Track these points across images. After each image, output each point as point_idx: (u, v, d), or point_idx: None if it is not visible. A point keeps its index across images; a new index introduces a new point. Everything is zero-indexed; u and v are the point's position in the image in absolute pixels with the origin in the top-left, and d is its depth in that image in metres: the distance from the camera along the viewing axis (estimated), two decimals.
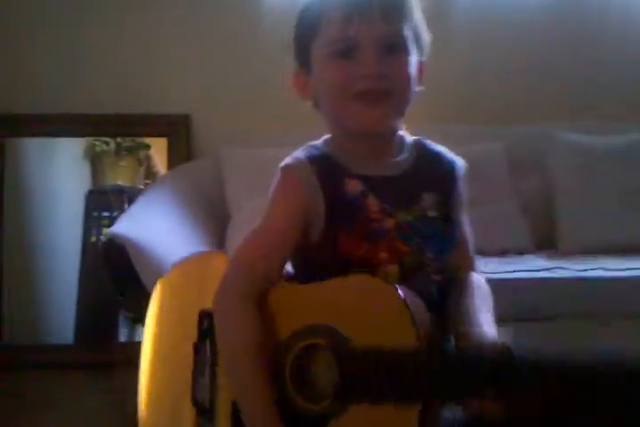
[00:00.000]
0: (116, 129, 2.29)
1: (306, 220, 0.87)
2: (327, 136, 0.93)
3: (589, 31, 2.27)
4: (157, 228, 1.62)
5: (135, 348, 1.06)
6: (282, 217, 0.88)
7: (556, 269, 1.65)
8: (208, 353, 0.89)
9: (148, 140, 2.34)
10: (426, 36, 0.90)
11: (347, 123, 0.88)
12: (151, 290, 1.15)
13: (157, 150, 2.34)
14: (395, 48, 0.85)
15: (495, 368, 0.72)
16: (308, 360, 0.83)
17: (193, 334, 0.91)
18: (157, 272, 1.32)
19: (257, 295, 0.86)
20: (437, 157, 0.94)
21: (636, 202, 1.94)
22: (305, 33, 0.89)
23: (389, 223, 0.87)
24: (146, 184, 2.33)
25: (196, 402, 0.89)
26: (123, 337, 2.25)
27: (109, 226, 2.09)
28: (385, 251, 0.86)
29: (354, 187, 0.87)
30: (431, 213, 0.89)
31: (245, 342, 0.84)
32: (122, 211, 2.20)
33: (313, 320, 0.83)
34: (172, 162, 2.26)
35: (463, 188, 0.95)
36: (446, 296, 0.90)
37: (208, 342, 0.89)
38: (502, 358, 0.73)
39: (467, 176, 0.95)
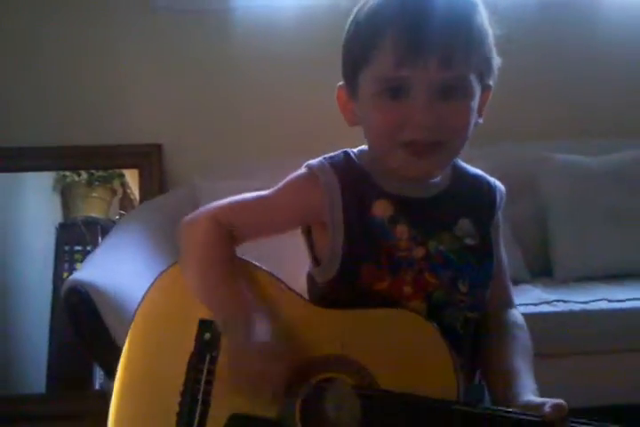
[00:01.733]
0: (85, 162, 2.22)
1: (305, 225, 0.85)
2: (364, 147, 0.85)
3: (578, 51, 2.25)
4: (125, 271, 1.50)
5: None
6: (281, 203, 0.84)
7: (555, 302, 1.56)
8: (205, 371, 0.79)
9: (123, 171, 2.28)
10: (495, 63, 0.81)
11: (390, 166, 0.80)
12: (118, 339, 1.04)
13: (130, 182, 2.27)
14: (453, 93, 0.75)
15: None
16: (326, 393, 0.74)
17: (186, 347, 0.81)
18: (125, 318, 1.19)
19: (225, 233, 0.82)
20: (476, 180, 0.87)
21: (630, 223, 1.87)
22: (355, 57, 0.79)
23: (419, 253, 0.79)
24: (121, 215, 2.28)
25: (180, 423, 0.78)
26: (98, 384, 2.12)
27: (82, 260, 2.05)
28: (410, 284, 0.78)
29: (383, 210, 0.80)
30: (468, 242, 0.82)
31: (216, 256, 0.81)
32: (95, 244, 2.13)
33: (340, 350, 0.76)
34: (145, 193, 2.18)
35: (501, 215, 0.88)
36: (481, 338, 0.83)
37: (208, 356, 0.80)
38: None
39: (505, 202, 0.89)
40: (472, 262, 0.81)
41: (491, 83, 0.81)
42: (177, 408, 0.79)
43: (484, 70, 0.78)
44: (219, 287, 0.80)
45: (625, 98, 2.20)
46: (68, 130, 2.17)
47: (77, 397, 2.06)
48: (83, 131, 2.17)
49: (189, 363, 0.80)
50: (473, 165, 1.99)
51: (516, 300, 1.58)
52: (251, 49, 2.16)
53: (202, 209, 0.85)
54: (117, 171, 2.30)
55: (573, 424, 0.65)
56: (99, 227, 2.24)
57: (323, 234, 0.81)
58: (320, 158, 0.83)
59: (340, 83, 0.83)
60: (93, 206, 2.32)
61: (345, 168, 0.82)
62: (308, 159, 0.87)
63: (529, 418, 0.67)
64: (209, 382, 0.79)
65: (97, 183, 2.31)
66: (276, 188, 0.84)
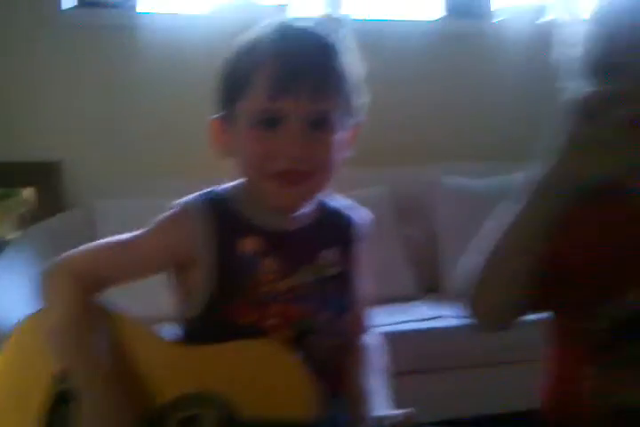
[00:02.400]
0: None
1: (174, 265, 0.84)
2: (232, 183, 0.88)
3: (465, 79, 2.36)
4: (6, 303, 1.44)
5: None
6: (147, 246, 0.83)
7: (438, 318, 1.64)
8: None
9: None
10: (362, 99, 0.86)
11: (261, 196, 0.83)
12: None
13: (29, 199, 2.15)
14: (321, 126, 0.80)
15: None
16: None
17: (39, 399, 0.80)
18: None
19: (85, 286, 0.82)
20: (340, 212, 0.91)
21: None
22: (232, 89, 0.82)
23: (283, 286, 0.82)
24: (21, 233, 2.12)
25: None
26: None
27: None
28: (276, 316, 0.81)
29: (251, 246, 0.82)
30: (330, 272, 0.86)
31: (72, 313, 0.80)
32: None
33: (201, 387, 0.77)
34: (42, 213, 2.10)
35: (364, 245, 0.92)
36: (342, 363, 0.87)
37: (63, 412, 0.79)
38: None
39: (370, 232, 0.93)
40: (334, 292, 0.85)
41: (358, 120, 0.86)
42: None
43: (348, 107, 0.83)
44: (72, 346, 0.79)
45: (509, 123, 2.32)
46: None
47: None
48: None
49: (43, 416, 0.80)
50: (370, 187, 2.09)
51: (404, 317, 1.68)
52: (154, 67, 2.14)
53: (63, 257, 0.84)
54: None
55: None
56: None
57: (192, 271, 0.83)
58: (190, 196, 0.85)
59: (214, 115, 0.86)
60: None
61: (215, 205, 0.84)
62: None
63: None
64: None
65: None
66: (144, 229, 0.84)
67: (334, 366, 0.85)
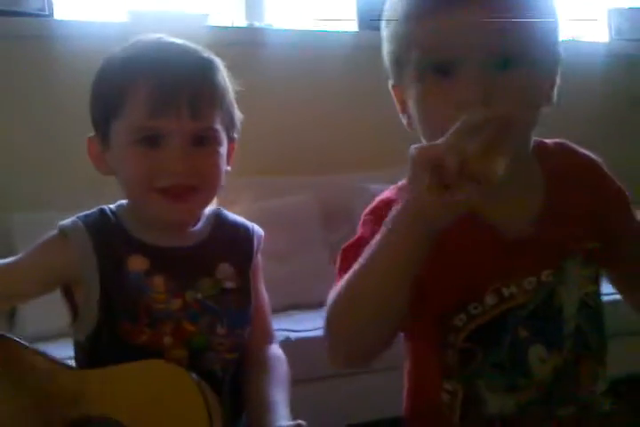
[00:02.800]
0: None
1: (57, 286, 0.82)
2: (123, 202, 0.86)
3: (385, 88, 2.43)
4: None
5: None
6: (24, 267, 0.81)
7: None
8: None
9: None
10: (237, 115, 0.86)
11: (148, 213, 0.82)
12: None
13: None
14: (204, 142, 0.80)
15: None
16: None
17: None
18: None
19: None
20: (236, 226, 0.91)
21: None
22: (106, 108, 0.80)
23: (176, 304, 0.81)
24: None
25: None
26: None
27: None
28: (170, 335, 0.80)
29: (139, 265, 0.81)
30: (228, 285, 0.85)
31: None
32: None
33: (93, 411, 0.76)
34: None
35: (259, 258, 0.92)
36: (243, 375, 0.87)
37: None
38: None
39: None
40: (231, 306, 0.85)
41: (235, 135, 0.87)
42: None
43: (228, 122, 0.83)
44: None
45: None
46: None
47: None
48: None
49: None
50: (295, 195, 2.10)
51: (314, 324, 1.69)
52: (69, 76, 2.05)
53: None
54: None
55: None
56: None
57: (77, 291, 0.82)
58: (73, 218, 0.83)
59: (90, 135, 0.85)
60: None
61: (98, 225, 0.83)
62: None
63: None
64: None
65: None
66: (23, 252, 0.83)
67: (234, 380, 0.85)
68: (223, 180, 0.83)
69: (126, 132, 0.79)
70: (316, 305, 1.84)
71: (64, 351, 0.87)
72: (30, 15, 2.09)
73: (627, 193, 0.82)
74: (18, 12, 2.08)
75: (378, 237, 0.65)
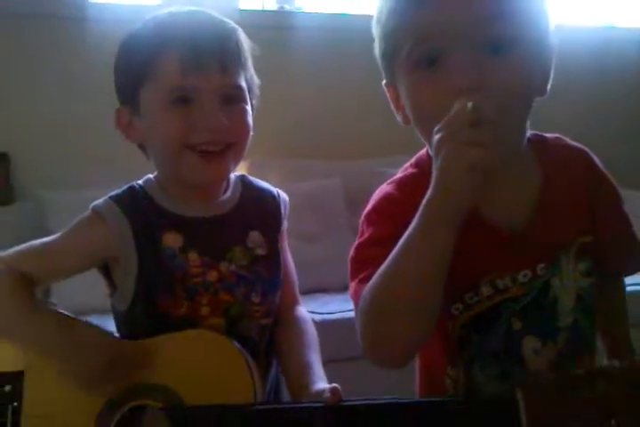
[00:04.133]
0: None
1: (98, 264, 0.86)
2: (151, 176, 0.89)
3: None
4: None
5: None
6: (65, 247, 0.84)
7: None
8: (9, 422, 0.81)
9: None
10: (256, 80, 0.88)
11: (181, 174, 0.84)
12: None
13: None
14: (233, 99, 0.82)
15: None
16: (137, 420, 0.79)
17: None
18: None
19: (20, 278, 0.83)
20: (262, 192, 0.93)
21: None
22: (134, 72, 0.82)
23: (212, 276, 0.84)
24: None
25: None
26: None
27: None
28: (207, 305, 0.83)
29: (172, 241, 0.84)
30: (258, 252, 0.88)
31: (12, 302, 0.81)
32: None
33: (145, 378, 0.79)
34: None
35: (286, 223, 0.94)
36: (275, 338, 0.90)
37: (10, 407, 0.81)
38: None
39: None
40: (263, 274, 0.87)
41: (254, 102, 0.88)
42: None
43: (250, 85, 0.86)
44: (27, 322, 0.81)
45: None
46: None
47: None
48: None
49: None
50: (322, 179, 2.11)
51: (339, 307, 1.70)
52: (103, 59, 2.12)
53: (1, 256, 0.86)
54: None
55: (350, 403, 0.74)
56: None
57: (116, 267, 0.85)
58: (105, 198, 0.86)
59: (117, 107, 0.86)
60: None
61: (131, 203, 0.85)
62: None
63: (315, 405, 0.75)
64: None
65: None
66: (61, 232, 0.85)
67: (269, 343, 0.89)
68: (249, 137, 0.85)
69: (159, 94, 0.81)
70: (341, 288, 1.88)
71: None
72: None
73: (618, 189, 0.82)
74: None
75: (409, 231, 0.65)
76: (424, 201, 0.65)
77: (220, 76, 0.80)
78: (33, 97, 2.11)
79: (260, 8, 2.38)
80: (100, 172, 1.97)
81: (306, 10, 2.41)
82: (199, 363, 0.79)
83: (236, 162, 0.86)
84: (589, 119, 2.57)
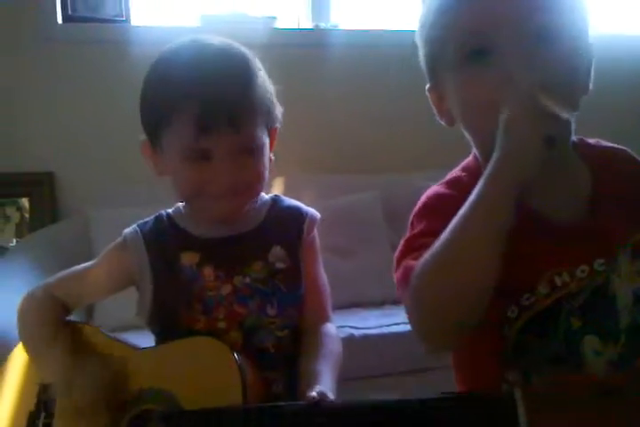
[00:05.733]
0: None
1: (128, 285, 0.94)
2: (180, 205, 0.95)
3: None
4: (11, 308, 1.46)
5: None
6: (97, 272, 0.94)
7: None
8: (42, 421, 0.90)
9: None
10: (277, 109, 0.91)
11: (199, 212, 0.90)
12: None
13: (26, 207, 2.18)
14: (248, 152, 0.86)
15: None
16: (142, 423, 0.84)
17: (26, 405, 0.92)
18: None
19: (55, 303, 0.94)
20: (289, 210, 0.96)
21: None
22: (155, 118, 0.87)
23: (226, 290, 0.88)
24: (18, 242, 2.16)
25: None
26: None
27: None
28: (224, 320, 0.87)
29: (189, 259, 0.89)
30: (278, 265, 0.91)
31: (43, 326, 0.92)
32: None
33: (151, 384, 0.85)
34: (35, 223, 2.13)
35: (316, 238, 0.96)
36: (297, 350, 0.91)
37: (43, 414, 0.90)
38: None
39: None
40: (281, 287, 0.90)
41: (277, 125, 0.92)
42: None
43: (268, 121, 0.88)
44: (43, 351, 0.91)
45: None
46: None
47: None
48: None
49: (28, 420, 0.90)
50: (361, 193, 2.11)
51: (396, 319, 1.69)
52: (140, 81, 2.18)
53: (42, 282, 0.96)
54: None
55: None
56: None
57: (141, 288, 0.92)
58: (134, 226, 0.94)
59: (142, 138, 0.91)
60: None
61: (152, 229, 0.93)
62: None
63: (291, 403, 0.79)
64: None
65: None
66: (95, 259, 0.95)
67: (286, 356, 0.90)
68: (266, 179, 0.90)
69: (176, 148, 0.86)
70: (379, 303, 1.88)
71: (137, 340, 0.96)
72: (108, 21, 2.20)
73: None
74: (97, 18, 2.20)
75: (468, 202, 0.66)
76: (485, 174, 0.66)
77: (232, 135, 0.83)
78: (78, 118, 2.18)
79: (296, 26, 2.42)
80: (142, 190, 1.97)
81: (341, 27, 2.43)
82: (196, 369, 0.83)
83: (252, 198, 0.91)
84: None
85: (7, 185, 2.14)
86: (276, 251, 0.91)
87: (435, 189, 0.80)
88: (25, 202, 2.19)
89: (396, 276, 0.75)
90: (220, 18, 2.25)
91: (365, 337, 1.58)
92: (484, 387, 0.79)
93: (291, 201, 0.98)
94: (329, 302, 0.97)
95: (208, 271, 0.88)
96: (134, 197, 1.97)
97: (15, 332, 0.97)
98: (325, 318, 0.96)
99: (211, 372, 0.82)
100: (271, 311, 0.88)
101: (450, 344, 0.74)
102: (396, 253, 0.76)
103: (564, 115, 0.63)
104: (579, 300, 0.74)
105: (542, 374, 0.74)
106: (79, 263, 1.00)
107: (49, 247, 1.86)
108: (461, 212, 0.67)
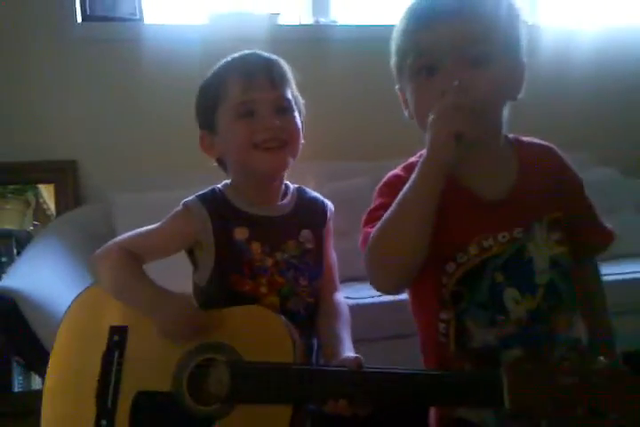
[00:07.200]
0: (4, 176, 2.26)
1: (186, 247, 1.06)
2: (227, 181, 1.11)
3: None
4: (47, 279, 1.59)
5: (32, 397, 1.06)
6: (163, 234, 1.06)
7: None
8: (115, 363, 1.01)
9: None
10: (301, 99, 1.10)
11: (252, 169, 1.05)
12: (45, 343, 1.24)
13: (48, 192, 2.31)
14: (283, 109, 1.04)
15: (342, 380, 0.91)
16: (206, 369, 0.97)
17: (101, 347, 1.03)
18: (51, 323, 1.30)
19: (130, 254, 1.04)
20: (313, 200, 1.15)
21: None
22: (209, 104, 1.06)
23: (269, 262, 1.05)
24: (35, 225, 2.30)
25: (99, 403, 1.00)
26: (17, 387, 2.14)
27: None
28: (265, 285, 1.03)
29: (241, 235, 1.05)
30: (308, 246, 1.09)
31: (129, 265, 1.03)
32: (10, 255, 2.17)
33: (214, 338, 0.98)
34: (60, 208, 2.26)
35: (331, 225, 1.15)
36: (316, 314, 1.09)
37: (117, 353, 1.01)
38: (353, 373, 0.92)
39: (335, 214, 1.17)
40: (310, 263, 1.08)
41: (302, 118, 1.10)
42: (95, 394, 1.01)
43: (295, 101, 1.08)
44: (138, 286, 1.02)
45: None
46: None
47: None
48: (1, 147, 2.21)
49: (103, 359, 1.02)
50: (353, 179, 2.24)
51: (370, 293, 1.82)
52: (158, 69, 2.28)
53: (109, 242, 1.08)
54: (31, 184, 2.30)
55: (368, 370, 0.92)
56: (13, 238, 2.22)
57: (199, 251, 1.06)
58: (193, 197, 1.08)
59: (199, 133, 1.10)
60: (7, 218, 2.31)
61: (212, 201, 1.07)
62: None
63: (341, 369, 0.93)
64: (119, 371, 1.01)
65: (10, 196, 2.31)
66: (160, 222, 1.08)
67: (311, 318, 1.08)
68: (301, 141, 1.07)
69: (229, 112, 1.04)
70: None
71: None
72: (123, 20, 2.32)
73: (580, 177, 1.00)
74: (112, 17, 2.31)
75: (408, 184, 0.86)
76: (419, 161, 0.86)
77: (271, 90, 1.03)
78: (98, 111, 2.29)
79: (297, 22, 2.54)
80: (160, 177, 2.15)
81: (340, 22, 2.55)
82: (255, 330, 0.98)
83: (293, 156, 1.07)
84: None
85: (33, 172, 2.25)
86: (305, 233, 1.09)
87: (393, 171, 1.00)
88: (42, 189, 2.29)
89: (359, 240, 0.94)
90: (227, 16, 2.36)
91: (358, 305, 1.72)
92: (428, 329, 0.97)
93: (312, 192, 1.17)
94: (337, 275, 1.16)
95: (256, 246, 1.04)
96: (152, 184, 2.10)
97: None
98: (337, 288, 1.15)
99: (266, 333, 0.96)
100: (303, 282, 1.06)
101: (393, 288, 0.93)
102: (362, 223, 0.96)
103: (473, 118, 0.81)
104: (501, 259, 0.92)
105: (472, 317, 0.92)
106: (103, 243, 1.11)
107: (75, 229, 1.98)
108: (402, 190, 0.86)
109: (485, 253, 0.93)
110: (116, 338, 1.03)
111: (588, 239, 1.02)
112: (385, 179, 1.01)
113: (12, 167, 2.24)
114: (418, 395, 0.90)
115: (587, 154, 2.43)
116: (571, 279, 0.97)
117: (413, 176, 0.87)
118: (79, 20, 2.28)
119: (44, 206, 2.31)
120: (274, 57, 1.08)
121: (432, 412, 1.03)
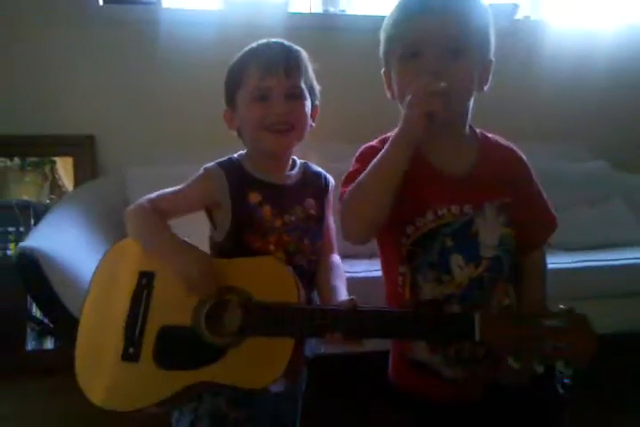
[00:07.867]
0: (21, 149, 2.34)
1: (207, 207, 1.18)
2: (242, 152, 1.24)
3: None
4: (68, 241, 1.66)
5: (44, 356, 1.11)
6: (187, 194, 1.17)
7: None
8: (143, 301, 1.12)
9: (54, 158, 2.38)
10: (316, 86, 1.22)
11: (261, 146, 1.18)
12: (66, 301, 1.37)
13: (63, 168, 2.40)
14: (295, 96, 1.16)
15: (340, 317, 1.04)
16: (221, 308, 1.10)
17: (131, 288, 1.14)
18: (71, 283, 1.46)
19: (157, 209, 1.15)
20: (317, 174, 1.28)
21: None
22: (232, 85, 1.18)
23: (278, 223, 1.17)
24: (51, 199, 2.36)
25: (127, 334, 1.11)
26: (30, 346, 2.24)
27: (15, 241, 2.21)
28: (273, 244, 1.16)
29: (254, 198, 1.18)
30: (312, 212, 1.22)
31: (155, 216, 1.14)
32: (28, 226, 2.26)
33: (231, 283, 1.10)
34: (78, 180, 2.34)
35: (332, 196, 1.28)
36: (317, 270, 1.23)
37: (145, 293, 1.12)
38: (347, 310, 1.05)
39: (336, 188, 1.28)
40: (312, 227, 1.21)
41: (317, 102, 1.22)
42: (124, 326, 1.13)
43: (309, 88, 1.18)
44: (161, 235, 1.14)
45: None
46: (4, 119, 2.27)
47: (10, 358, 2.17)
48: (19, 120, 2.28)
49: (132, 298, 1.14)
50: (349, 160, 2.33)
51: (364, 268, 1.92)
52: (173, 51, 2.37)
53: (140, 199, 1.19)
54: (48, 157, 2.36)
55: (360, 309, 1.04)
56: (31, 209, 2.31)
57: (218, 211, 1.18)
58: (213, 163, 1.20)
59: (225, 109, 1.21)
60: (26, 190, 2.38)
61: (230, 168, 1.19)
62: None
63: (338, 308, 1.06)
64: (146, 309, 1.13)
65: (29, 168, 2.37)
66: (186, 183, 1.19)
67: (312, 273, 1.22)
68: (308, 125, 1.19)
69: (247, 95, 1.16)
70: (368, 256, 2.11)
71: None
72: (142, 3, 2.39)
73: (531, 170, 1.11)
74: (132, 0, 2.37)
75: (380, 153, 1.00)
76: (392, 135, 1.00)
77: (285, 79, 1.14)
78: (115, 88, 2.34)
79: (308, 11, 2.61)
80: (173, 153, 2.23)
81: (348, 12, 2.62)
82: (265, 276, 1.09)
83: (298, 139, 1.19)
84: None
85: (53, 145, 2.35)
86: (310, 201, 1.22)
87: (370, 143, 1.14)
88: (59, 164, 2.38)
89: (339, 199, 1.08)
90: (241, 2, 2.43)
91: (353, 279, 1.84)
92: (390, 280, 1.09)
93: (315, 167, 1.29)
94: (335, 238, 1.29)
95: (267, 209, 1.16)
96: (165, 159, 2.18)
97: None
98: (334, 249, 1.29)
99: (274, 279, 1.08)
100: (306, 242, 1.19)
101: (362, 236, 1.06)
102: (341, 184, 1.09)
103: (446, 101, 0.93)
104: (451, 228, 1.04)
105: (422, 274, 1.05)
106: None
107: (92, 199, 2.06)
108: (374, 160, 1.00)
109: (440, 221, 1.05)
110: (144, 281, 1.14)
111: (535, 220, 1.13)
112: (362, 148, 1.15)
113: (33, 140, 2.32)
114: (402, 329, 1.02)
115: (580, 147, 2.53)
116: (514, 258, 1.08)
117: (387, 145, 1.01)
118: (101, 2, 2.35)
119: (60, 183, 2.38)
120: (294, 48, 1.19)
121: (391, 354, 1.16)
